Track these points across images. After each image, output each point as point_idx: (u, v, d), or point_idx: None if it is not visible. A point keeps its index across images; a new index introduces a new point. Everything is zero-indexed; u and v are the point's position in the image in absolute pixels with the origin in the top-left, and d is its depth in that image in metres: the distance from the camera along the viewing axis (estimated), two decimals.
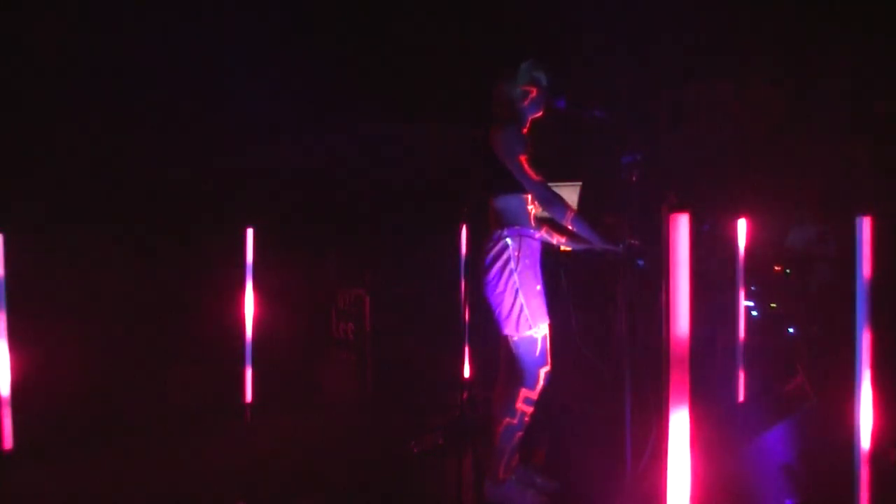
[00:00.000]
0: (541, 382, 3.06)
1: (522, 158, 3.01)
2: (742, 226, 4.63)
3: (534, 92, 3.19)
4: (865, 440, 2.89)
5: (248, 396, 4.63)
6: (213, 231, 5.10)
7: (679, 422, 2.42)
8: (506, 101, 3.19)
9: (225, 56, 5.48)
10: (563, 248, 4.45)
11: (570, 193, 4.34)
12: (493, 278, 3.06)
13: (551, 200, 3.03)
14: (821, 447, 3.45)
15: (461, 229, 4.37)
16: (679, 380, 2.52)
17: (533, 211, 3.18)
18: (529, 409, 3.05)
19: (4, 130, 5.06)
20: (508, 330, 3.06)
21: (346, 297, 5.26)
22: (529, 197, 3.14)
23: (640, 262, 3.22)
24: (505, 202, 3.12)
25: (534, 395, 3.05)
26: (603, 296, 4.86)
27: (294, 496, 3.32)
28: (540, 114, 3.26)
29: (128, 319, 5.12)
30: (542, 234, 3.27)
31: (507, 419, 3.04)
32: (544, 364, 3.08)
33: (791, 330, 5.33)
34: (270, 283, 4.87)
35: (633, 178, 3.71)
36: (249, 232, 4.52)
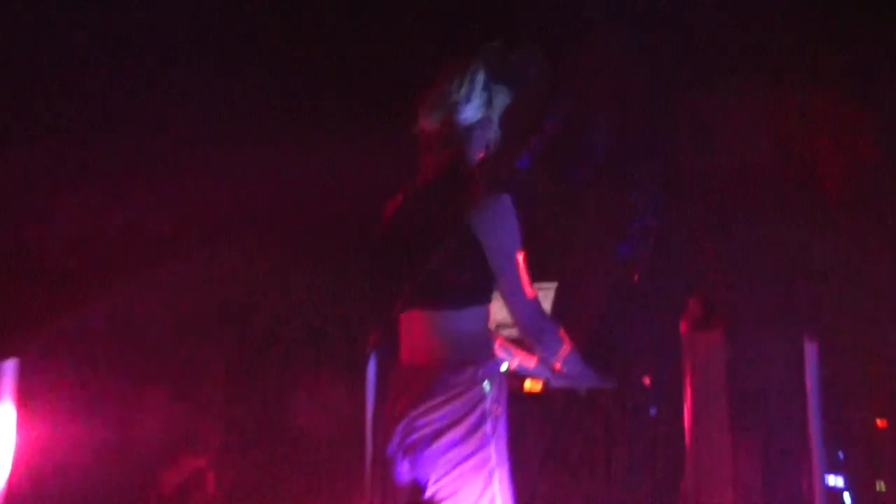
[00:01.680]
0: None
1: (522, 257, 1.98)
2: (811, 351, 3.01)
3: (493, 122, 2.13)
4: None
5: None
6: None
7: None
8: (451, 124, 2.08)
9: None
10: (527, 384, 3.20)
11: (541, 297, 3.16)
12: (450, 450, 1.97)
13: (546, 332, 2.03)
14: None
15: (367, 364, 3.18)
16: None
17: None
18: None
19: None
20: None
21: (176, 473, 3.53)
22: (492, 308, 2.10)
23: (653, 411, 2.58)
24: (461, 320, 2.00)
25: None
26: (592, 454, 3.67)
27: None
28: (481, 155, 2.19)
29: None
30: (497, 347, 2.20)
31: None
32: None
33: None
34: (47, 444, 3.27)
35: (635, 278, 3.05)
36: (9, 365, 2.87)
